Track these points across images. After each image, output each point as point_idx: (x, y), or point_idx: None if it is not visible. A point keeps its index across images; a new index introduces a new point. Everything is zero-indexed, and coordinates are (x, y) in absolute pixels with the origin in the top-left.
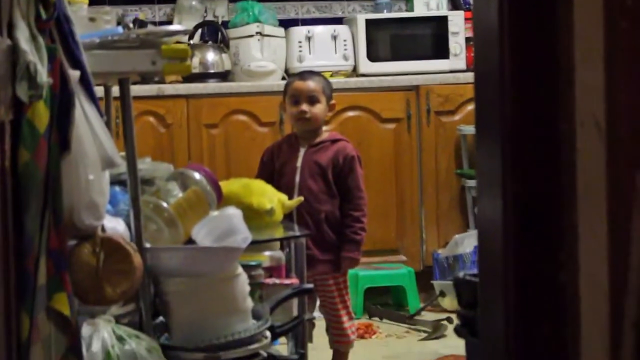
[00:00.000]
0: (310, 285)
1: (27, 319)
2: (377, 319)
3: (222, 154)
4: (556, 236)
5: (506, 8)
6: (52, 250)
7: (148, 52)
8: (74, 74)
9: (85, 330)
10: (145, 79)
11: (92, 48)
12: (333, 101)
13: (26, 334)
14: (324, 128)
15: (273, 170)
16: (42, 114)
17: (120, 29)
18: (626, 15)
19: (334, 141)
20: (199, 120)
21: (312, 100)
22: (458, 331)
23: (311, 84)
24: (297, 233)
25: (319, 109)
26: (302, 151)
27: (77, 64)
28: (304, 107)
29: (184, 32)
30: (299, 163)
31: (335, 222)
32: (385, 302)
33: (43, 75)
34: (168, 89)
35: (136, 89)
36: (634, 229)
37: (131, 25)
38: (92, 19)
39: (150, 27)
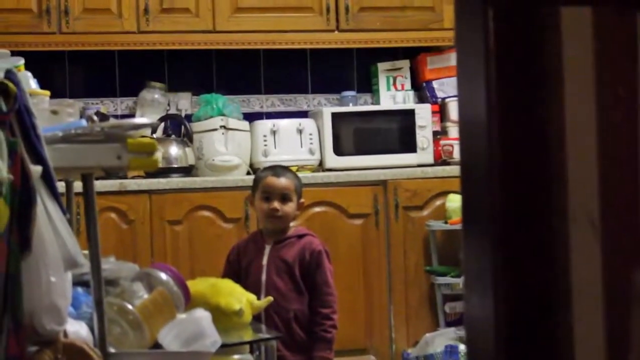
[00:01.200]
0: None
1: None
2: None
3: (186, 251)
4: (551, 339)
5: (494, 100)
6: (11, 357)
7: (113, 146)
8: (36, 170)
9: None
10: (108, 174)
11: (55, 142)
12: (302, 200)
13: None
14: (291, 224)
15: (239, 269)
16: (1, 212)
17: (84, 122)
18: (619, 107)
19: (300, 236)
20: (162, 216)
21: (285, 198)
22: None
23: (284, 182)
24: (267, 335)
25: (290, 207)
26: (267, 248)
27: (39, 158)
28: (276, 204)
29: (150, 125)
30: (264, 261)
31: (305, 321)
32: None
33: (3, 171)
34: (130, 184)
35: (97, 185)
36: (632, 331)
37: (95, 118)
38: (54, 112)
39: (115, 120)
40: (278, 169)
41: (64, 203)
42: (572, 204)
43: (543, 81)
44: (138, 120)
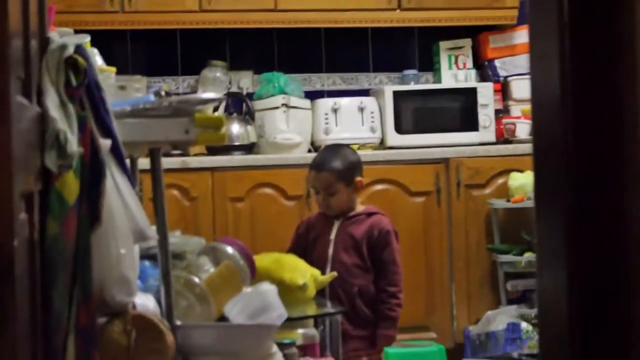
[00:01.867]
0: None
1: None
2: None
3: (248, 228)
4: (625, 314)
5: (569, 75)
6: (81, 328)
7: (181, 120)
8: (105, 143)
9: None
10: (175, 148)
11: (123, 116)
12: (359, 178)
13: None
14: (360, 201)
15: (307, 243)
16: (71, 185)
17: (151, 97)
18: None
19: (370, 214)
20: (224, 193)
21: (330, 191)
22: None
23: (324, 176)
24: (332, 310)
25: (339, 198)
26: (336, 224)
27: (108, 132)
28: (323, 199)
29: (217, 100)
30: (332, 235)
31: (369, 297)
32: None
33: (73, 144)
34: (192, 161)
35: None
36: None
37: (163, 93)
38: (122, 87)
39: (183, 96)
40: (319, 161)
41: None
42: None
43: (619, 56)
44: (205, 95)
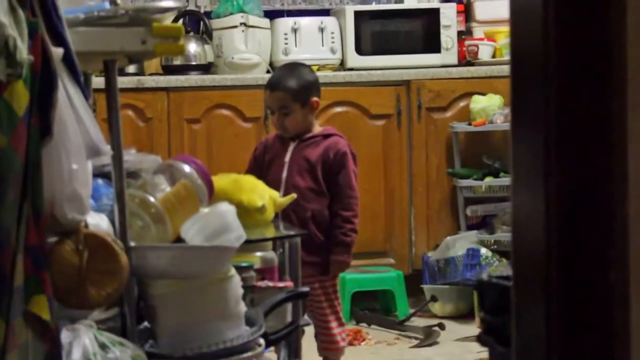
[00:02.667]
0: (306, 289)
1: (2, 324)
2: (364, 324)
3: (204, 151)
4: (605, 230)
5: None
6: (31, 247)
7: (138, 29)
8: (57, 52)
9: (65, 336)
10: (131, 61)
11: (76, 24)
12: (314, 98)
13: (1, 341)
14: (319, 123)
15: (263, 165)
16: (21, 95)
17: (107, 4)
18: None
19: (326, 136)
20: (180, 114)
21: (284, 111)
22: (482, 339)
23: (278, 95)
24: (292, 232)
25: (294, 118)
26: (291, 146)
27: (60, 40)
28: (278, 118)
29: (177, 9)
30: (287, 158)
31: (323, 222)
32: (372, 307)
33: (23, 52)
34: (147, 80)
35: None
36: None
37: (119, 1)
38: None
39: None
40: (273, 81)
41: None
42: (632, 88)
43: None
44: (164, 3)
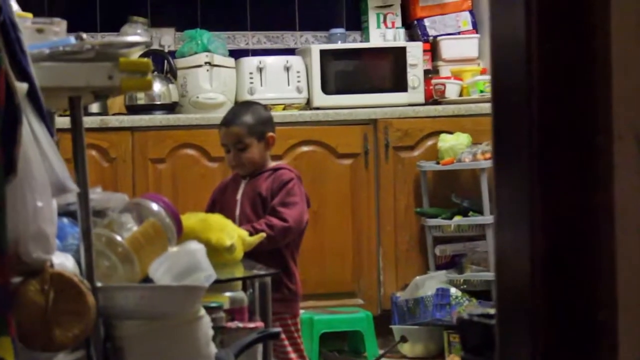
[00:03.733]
0: (278, 329)
1: None
2: None
3: (170, 190)
4: (592, 268)
5: (534, 11)
6: None
7: (104, 65)
8: (22, 87)
9: None
10: (97, 97)
11: (41, 59)
12: (271, 133)
13: None
14: (272, 161)
15: (217, 208)
16: None
17: (72, 39)
18: None
19: (275, 170)
20: (144, 154)
21: (240, 146)
22: None
23: (234, 130)
24: (262, 272)
25: (251, 153)
26: (243, 183)
27: (24, 75)
28: (234, 155)
29: (144, 44)
30: (238, 195)
31: (280, 258)
32: (341, 348)
33: None
34: (112, 120)
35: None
36: None
37: (84, 36)
38: (39, 30)
39: (107, 38)
40: (229, 116)
41: None
42: (617, 120)
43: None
44: (131, 37)
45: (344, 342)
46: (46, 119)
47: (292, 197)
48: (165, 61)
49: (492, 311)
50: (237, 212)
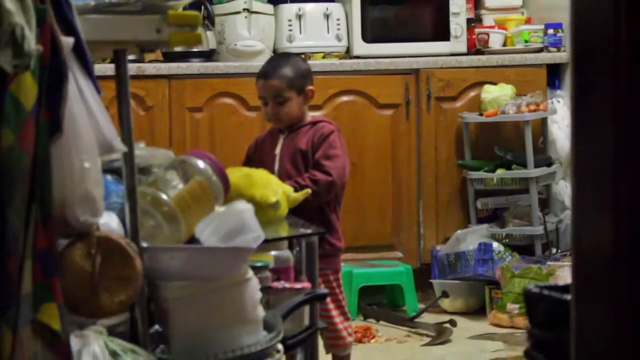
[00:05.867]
0: (325, 291)
1: (9, 334)
2: (373, 320)
3: (207, 140)
4: None
5: None
6: (40, 251)
7: (152, 17)
8: (67, 42)
9: (73, 343)
10: (144, 50)
11: (87, 12)
12: (310, 87)
13: (8, 352)
14: (311, 114)
15: (255, 163)
16: (29, 88)
17: None
18: None
19: (314, 123)
20: (181, 102)
21: (279, 100)
22: (531, 355)
23: (274, 83)
24: (308, 230)
25: (290, 107)
26: (281, 138)
27: (70, 29)
28: (272, 108)
29: None
30: (277, 150)
31: (320, 213)
32: (380, 302)
33: (31, 42)
34: (148, 68)
35: (111, 68)
36: None
37: None
38: None
39: None
40: (268, 69)
41: None
42: None
43: None
44: None
45: (383, 296)
46: (92, 74)
47: (334, 149)
48: (203, 7)
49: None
50: (276, 167)
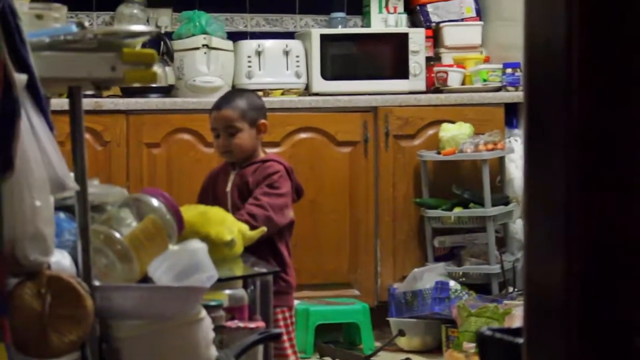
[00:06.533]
0: (280, 330)
1: None
2: (329, 359)
3: (164, 176)
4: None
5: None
6: None
7: (107, 55)
8: (21, 78)
9: None
10: (98, 87)
11: (41, 49)
12: (262, 120)
13: None
14: (269, 151)
15: (209, 198)
16: None
17: (73, 28)
18: None
19: (264, 162)
20: (139, 138)
21: (231, 131)
22: None
23: (226, 113)
24: (263, 269)
25: (241, 138)
26: (232, 174)
27: (23, 66)
28: (223, 139)
29: (149, 34)
30: (228, 187)
31: (271, 248)
32: (336, 340)
33: None
34: (106, 103)
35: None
36: None
37: (87, 23)
38: (38, 16)
39: (110, 27)
40: (221, 100)
41: None
42: None
43: None
44: (135, 27)
45: (340, 334)
46: (46, 111)
47: (275, 189)
48: (162, 43)
49: (514, 327)
50: (229, 204)
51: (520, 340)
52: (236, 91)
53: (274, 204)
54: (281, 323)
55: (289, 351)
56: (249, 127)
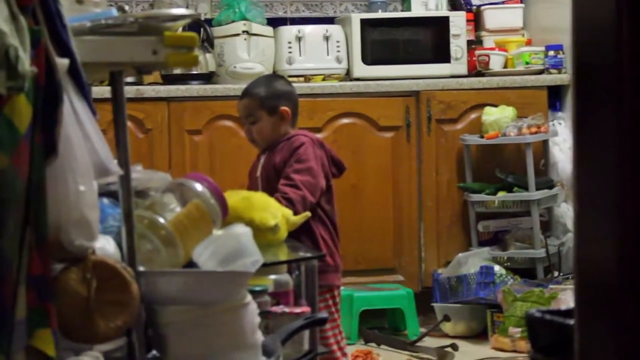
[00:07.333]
0: (325, 315)
1: None
2: (374, 344)
3: (206, 163)
4: None
5: None
6: (34, 276)
7: (148, 39)
8: (62, 63)
9: None
10: (140, 71)
11: (83, 33)
12: (284, 107)
13: None
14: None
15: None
16: (23, 110)
17: (114, 12)
18: None
19: (290, 137)
20: (180, 125)
21: (251, 120)
22: None
23: (245, 102)
24: (308, 254)
25: (261, 127)
26: (262, 159)
27: (65, 51)
28: (246, 128)
29: (191, 17)
30: (258, 172)
31: (307, 228)
32: (381, 326)
33: (25, 63)
34: (147, 90)
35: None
36: None
37: (127, 7)
38: (79, 1)
39: (151, 10)
40: (245, 89)
41: None
42: None
43: None
44: (176, 10)
45: (384, 320)
46: (88, 96)
47: (303, 162)
48: (202, 29)
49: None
50: (260, 189)
51: (571, 322)
52: (262, 77)
53: (305, 180)
54: (325, 304)
55: (329, 333)
56: (267, 115)
